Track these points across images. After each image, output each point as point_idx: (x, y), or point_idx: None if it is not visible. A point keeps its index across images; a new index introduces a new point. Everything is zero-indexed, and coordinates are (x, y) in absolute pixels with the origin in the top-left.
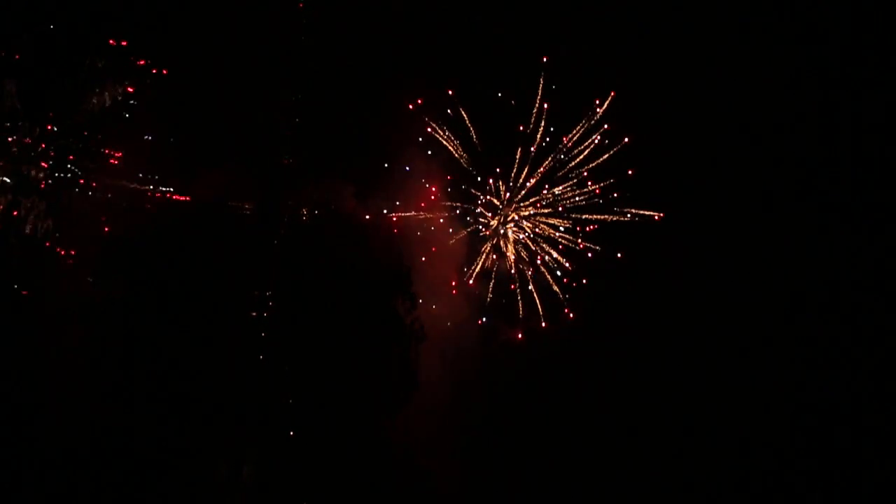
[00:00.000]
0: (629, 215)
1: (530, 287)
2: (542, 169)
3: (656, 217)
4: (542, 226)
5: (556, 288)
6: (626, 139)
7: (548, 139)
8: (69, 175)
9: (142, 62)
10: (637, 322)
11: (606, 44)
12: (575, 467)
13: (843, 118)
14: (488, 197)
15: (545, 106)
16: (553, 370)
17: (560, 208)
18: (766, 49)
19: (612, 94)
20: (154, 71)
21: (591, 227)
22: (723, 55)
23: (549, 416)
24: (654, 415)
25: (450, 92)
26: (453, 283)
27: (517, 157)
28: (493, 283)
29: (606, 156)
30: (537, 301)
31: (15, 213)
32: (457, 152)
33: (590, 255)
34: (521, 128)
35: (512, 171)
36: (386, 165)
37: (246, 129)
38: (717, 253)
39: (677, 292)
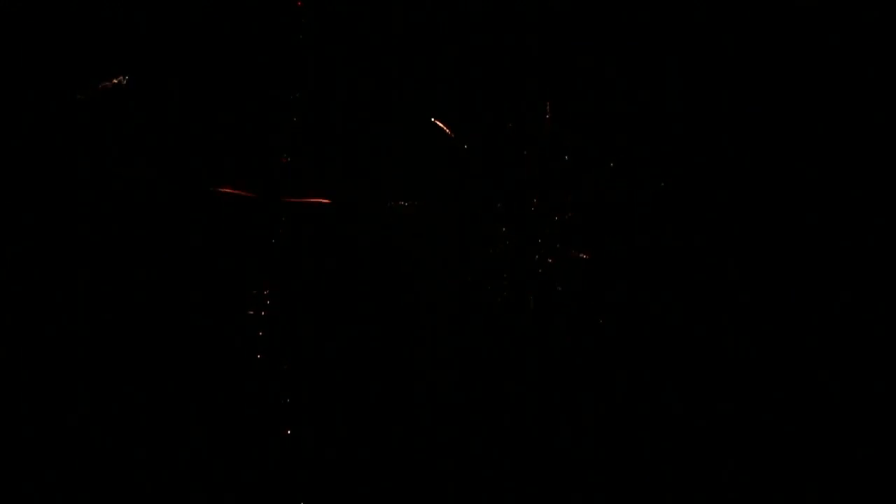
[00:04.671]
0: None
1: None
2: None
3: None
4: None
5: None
6: None
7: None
8: (65, 172)
9: (140, 58)
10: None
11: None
12: (575, 465)
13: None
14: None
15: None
16: (554, 366)
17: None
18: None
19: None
20: (152, 68)
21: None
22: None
23: (549, 412)
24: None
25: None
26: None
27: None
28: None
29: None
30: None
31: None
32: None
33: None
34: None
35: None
36: (385, 164)
37: (244, 127)
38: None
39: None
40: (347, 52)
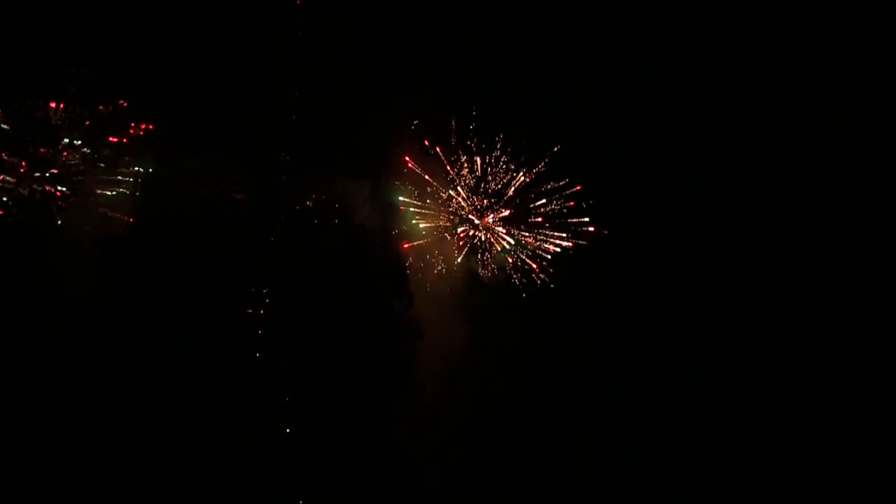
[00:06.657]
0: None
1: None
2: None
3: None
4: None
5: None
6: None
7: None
8: (64, 171)
9: (140, 57)
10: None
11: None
12: (574, 464)
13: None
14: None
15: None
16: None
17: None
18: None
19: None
20: (153, 67)
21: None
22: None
23: (547, 411)
24: (657, 416)
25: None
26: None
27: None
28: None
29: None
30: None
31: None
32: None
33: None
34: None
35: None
36: (381, 165)
37: (243, 126)
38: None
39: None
40: (346, 51)
